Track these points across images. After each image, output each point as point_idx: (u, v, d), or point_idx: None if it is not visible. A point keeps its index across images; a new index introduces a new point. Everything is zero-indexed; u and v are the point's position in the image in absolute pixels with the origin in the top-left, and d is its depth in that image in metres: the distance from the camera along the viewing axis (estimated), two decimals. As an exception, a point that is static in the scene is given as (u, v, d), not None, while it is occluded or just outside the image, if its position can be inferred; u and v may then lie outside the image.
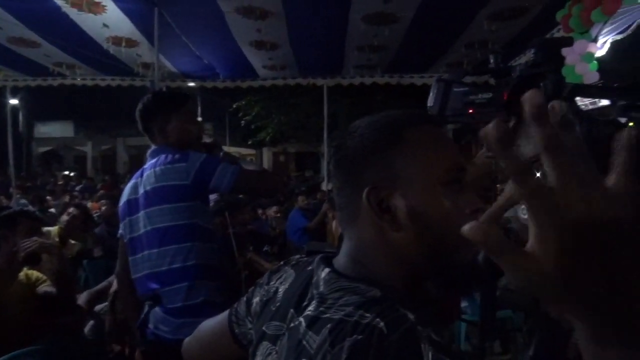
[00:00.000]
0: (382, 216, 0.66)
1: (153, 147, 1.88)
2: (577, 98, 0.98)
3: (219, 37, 5.70)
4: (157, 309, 1.72)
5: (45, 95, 12.80)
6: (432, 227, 0.65)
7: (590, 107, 1.19)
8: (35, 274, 2.27)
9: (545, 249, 0.32)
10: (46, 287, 2.25)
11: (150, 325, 1.72)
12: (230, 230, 2.99)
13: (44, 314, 2.19)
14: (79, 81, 7.23)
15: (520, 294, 3.07)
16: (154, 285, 1.72)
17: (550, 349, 0.90)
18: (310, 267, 0.75)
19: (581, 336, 0.33)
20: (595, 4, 4.60)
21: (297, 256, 0.86)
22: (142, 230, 1.76)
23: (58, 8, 4.77)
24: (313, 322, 0.64)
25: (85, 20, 5.13)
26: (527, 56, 1.28)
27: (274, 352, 0.70)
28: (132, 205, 1.82)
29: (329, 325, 0.61)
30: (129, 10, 4.96)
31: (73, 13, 4.93)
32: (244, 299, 0.87)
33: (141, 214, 1.77)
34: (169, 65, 6.80)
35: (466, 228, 0.33)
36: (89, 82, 7.29)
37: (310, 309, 0.66)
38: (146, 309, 1.75)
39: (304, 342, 0.63)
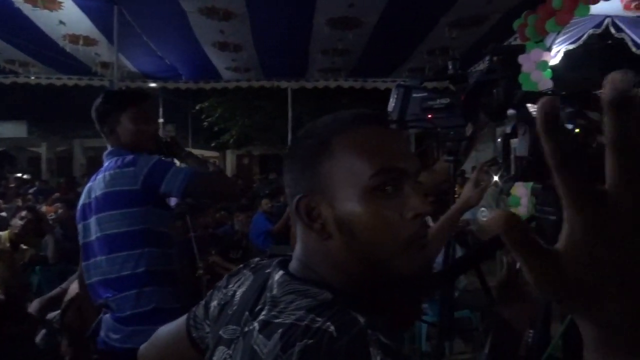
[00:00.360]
0: (312, 225, 0.65)
1: (109, 148, 1.83)
2: (528, 104, 1.02)
3: (181, 37, 5.61)
4: (107, 316, 1.67)
5: (-4, 94, 12.23)
6: (359, 235, 0.63)
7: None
8: (-18, 279, 2.17)
9: (580, 254, 0.29)
10: (-6, 294, 2.16)
11: (102, 333, 1.67)
12: (192, 234, 2.93)
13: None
14: (33, 80, 6.97)
15: (477, 295, 3.15)
16: (104, 293, 1.67)
17: (503, 347, 0.94)
18: (268, 270, 0.75)
19: (589, 342, 0.32)
20: (549, 15, 4.79)
21: (257, 259, 0.85)
22: (93, 236, 1.71)
23: (11, 3, 4.58)
24: (265, 327, 0.64)
25: (40, 17, 4.95)
26: (484, 63, 1.32)
27: (229, 357, 0.70)
28: (86, 210, 1.77)
29: (280, 330, 0.60)
30: (87, 7, 4.81)
31: (27, 9, 4.74)
32: (203, 302, 0.86)
33: (92, 219, 1.72)
34: (129, 65, 6.64)
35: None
36: (44, 81, 7.02)
37: (263, 313, 0.66)
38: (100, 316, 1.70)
39: (256, 347, 0.63)
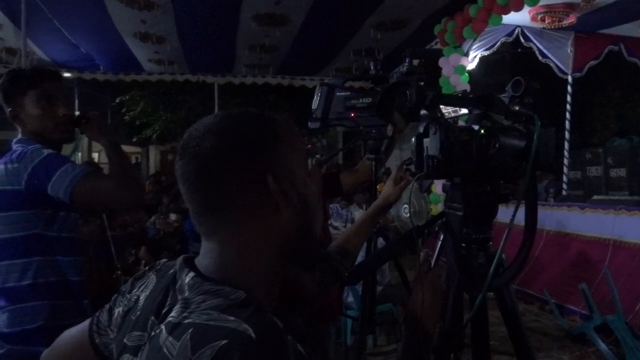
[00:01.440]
0: (281, 199, 0.69)
1: (19, 136, 1.59)
2: (442, 106, 1.07)
3: (98, 25, 5.30)
4: None
5: None
6: (308, 202, 0.73)
7: (454, 115, 1.31)
8: None
9: None
10: None
11: None
12: (109, 234, 2.79)
13: None
14: None
15: (400, 289, 3.27)
16: None
17: (418, 339, 1.00)
18: (171, 271, 0.73)
19: None
20: (466, 22, 5.08)
21: (164, 260, 0.82)
22: None
23: None
24: (174, 328, 0.62)
25: None
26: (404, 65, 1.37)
27: None
28: None
29: (190, 330, 0.59)
30: (-10, -13, 4.42)
31: None
32: (107, 307, 0.81)
33: None
34: (38, 52, 6.16)
35: None
36: (-61, 67, 6.35)
37: (172, 315, 0.64)
38: None
39: (165, 350, 0.60)
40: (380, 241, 2.04)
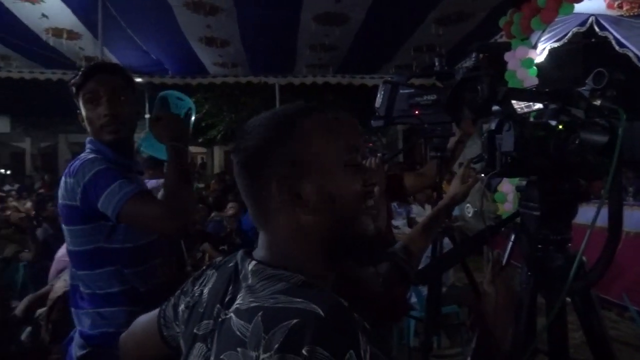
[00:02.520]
0: (296, 202, 0.70)
1: None
2: (513, 101, 1.03)
3: (167, 32, 5.55)
4: (78, 328, 1.50)
5: (-23, 88, 11.98)
6: (338, 202, 0.70)
7: (526, 110, 1.25)
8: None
9: None
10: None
11: (72, 344, 1.55)
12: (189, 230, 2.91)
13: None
14: (15, 74, 6.84)
15: (465, 290, 3.18)
16: (70, 304, 1.51)
17: (489, 342, 0.96)
18: (231, 264, 0.77)
19: None
20: (534, 13, 4.84)
21: (219, 258, 0.86)
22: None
23: (-9, -5, 4.50)
24: (244, 312, 0.65)
25: (22, 9, 4.86)
26: (470, 60, 1.33)
27: (208, 350, 0.70)
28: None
29: (260, 313, 0.62)
30: (71, 0, 4.74)
31: (8, 1, 4.65)
32: (172, 302, 0.86)
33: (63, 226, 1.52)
34: (114, 59, 6.55)
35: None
36: (27, 75, 6.90)
37: (239, 302, 0.68)
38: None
39: (238, 333, 0.64)
40: (446, 241, 1.99)
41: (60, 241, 1.96)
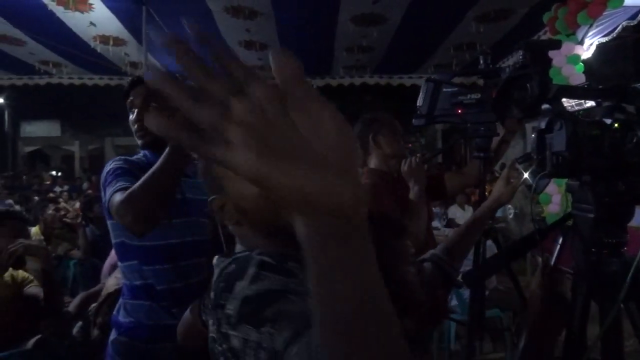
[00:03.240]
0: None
1: None
2: (563, 99, 0.99)
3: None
4: None
5: (31, 94, 12.61)
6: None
7: (577, 107, 1.20)
8: (21, 274, 2.23)
9: None
10: (33, 288, 2.22)
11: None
12: (220, 230, 2.97)
13: (31, 316, 2.16)
14: (65, 80, 7.17)
15: (508, 294, 3.09)
16: None
17: (536, 349, 0.92)
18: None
19: None
20: (580, 7, 4.66)
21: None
22: None
23: (44, 6, 4.71)
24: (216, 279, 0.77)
25: (72, 19, 5.09)
26: (515, 57, 1.29)
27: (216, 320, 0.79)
28: None
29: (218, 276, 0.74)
30: (117, 8, 4.92)
31: (59, 11, 4.88)
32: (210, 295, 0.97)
33: None
34: (157, 64, 6.77)
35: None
36: (76, 81, 7.22)
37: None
38: None
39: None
40: (489, 244, 1.94)
41: (106, 240, 2.03)
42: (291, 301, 0.59)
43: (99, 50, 5.93)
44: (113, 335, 1.55)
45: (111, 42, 5.75)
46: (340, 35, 5.73)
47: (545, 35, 5.28)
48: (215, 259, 0.82)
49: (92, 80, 7.24)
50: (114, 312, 1.61)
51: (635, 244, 0.88)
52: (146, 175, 1.31)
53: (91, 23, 5.20)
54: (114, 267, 2.76)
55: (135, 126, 1.53)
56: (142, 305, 1.51)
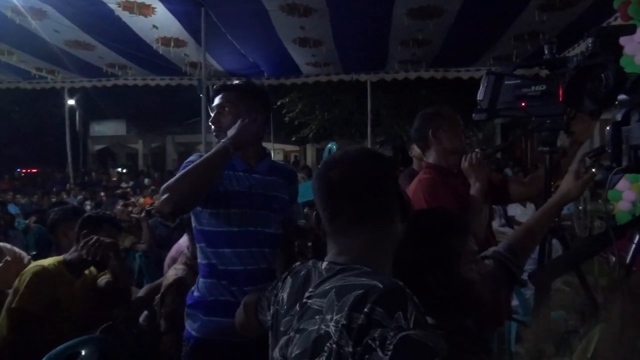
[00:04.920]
0: (391, 220, 0.93)
1: None
2: (641, 89, 0.93)
3: (263, 35, 5.77)
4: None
5: (99, 96, 13.38)
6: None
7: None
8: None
9: None
10: (105, 280, 2.36)
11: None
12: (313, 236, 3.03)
13: (103, 305, 2.30)
14: (130, 81, 7.53)
15: (576, 295, 2.94)
16: None
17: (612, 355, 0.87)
18: (303, 272, 0.95)
19: None
20: (657, -11, 4.32)
21: (298, 263, 1.03)
22: None
23: (111, 12, 4.97)
24: (320, 294, 0.83)
25: (136, 23, 5.32)
26: (583, 46, 1.21)
27: (290, 336, 0.86)
28: None
29: (333, 290, 0.80)
30: (177, 11, 5.10)
31: (125, 16, 5.12)
32: (266, 294, 1.06)
33: None
34: (215, 64, 6.95)
35: None
36: (140, 82, 7.56)
37: (310, 290, 0.86)
38: None
39: (315, 307, 0.82)
40: (554, 242, 1.85)
41: (170, 233, 2.14)
42: None
43: (160, 52, 6.17)
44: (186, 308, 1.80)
45: (172, 44, 5.97)
46: (395, 30, 5.64)
47: (616, 21, 4.94)
48: (326, 265, 0.90)
49: (154, 81, 7.55)
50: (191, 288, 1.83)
51: None
52: (189, 166, 1.59)
53: (154, 26, 5.42)
54: (174, 260, 2.89)
55: (213, 126, 1.78)
56: (205, 282, 1.75)
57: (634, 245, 1.05)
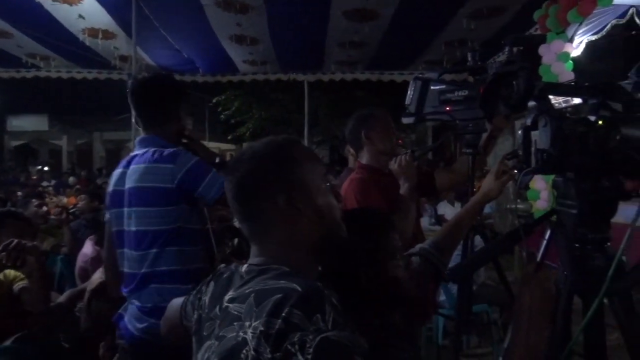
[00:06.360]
0: (297, 215, 0.87)
1: (143, 135, 1.78)
2: (550, 96, 1.00)
3: (198, 30, 5.63)
4: (133, 305, 1.69)
5: (18, 88, 12.45)
6: (327, 215, 0.90)
7: (564, 105, 1.21)
8: (12, 272, 2.21)
9: None
10: (22, 285, 2.21)
11: (126, 320, 1.69)
12: (209, 226, 2.96)
13: (19, 312, 2.15)
14: (54, 73, 7.06)
15: (496, 289, 3.12)
16: (130, 284, 1.69)
17: (523, 343, 0.94)
18: (226, 274, 0.94)
19: None
20: (571, 5, 4.68)
21: (222, 265, 1.03)
22: (126, 227, 1.70)
23: (31, -2, 4.65)
24: (236, 298, 0.82)
25: (60, 11, 5.01)
26: (504, 54, 1.30)
27: (212, 342, 0.84)
28: (118, 197, 1.73)
29: (252, 295, 0.79)
30: (106, 1, 4.86)
31: (47, 3, 4.80)
32: (190, 299, 1.02)
33: (125, 210, 1.69)
34: (147, 58, 6.69)
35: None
36: (64, 75, 7.12)
37: (230, 294, 0.85)
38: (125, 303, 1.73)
39: (234, 312, 0.81)
40: (477, 239, 1.96)
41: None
42: None
43: (87, 43, 5.85)
44: (151, 319, 1.68)
45: (100, 36, 5.67)
46: (332, 31, 5.71)
47: (536, 32, 5.30)
48: (246, 267, 0.88)
49: (80, 74, 7.14)
50: (156, 299, 1.69)
51: (618, 240, 0.90)
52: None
53: (80, 16, 5.13)
54: (84, 270, 2.78)
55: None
56: (186, 289, 1.71)
57: (545, 242, 1.12)
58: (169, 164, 1.61)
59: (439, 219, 5.95)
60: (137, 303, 1.69)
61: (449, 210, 6.10)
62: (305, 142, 8.66)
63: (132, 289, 1.70)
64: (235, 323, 0.79)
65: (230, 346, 0.77)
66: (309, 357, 0.70)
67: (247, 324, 0.76)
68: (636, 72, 0.89)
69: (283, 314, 0.73)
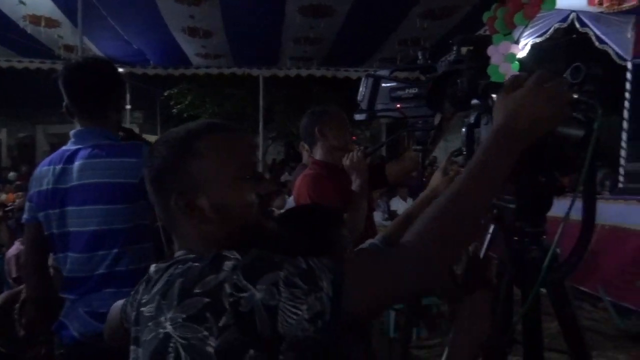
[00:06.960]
0: (192, 215, 0.81)
1: (79, 128, 1.63)
2: (493, 95, 1.04)
3: (149, 21, 5.46)
4: (80, 311, 1.55)
5: (-49, 76, 11.64)
6: (233, 212, 0.82)
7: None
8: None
9: None
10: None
11: (71, 328, 1.57)
12: (159, 223, 2.90)
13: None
14: (-9, 62, 6.68)
15: (444, 282, 3.22)
16: (79, 289, 1.55)
17: (467, 333, 0.98)
18: (145, 276, 0.90)
19: None
20: (517, 8, 4.88)
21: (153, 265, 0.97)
22: (70, 228, 1.54)
23: (-34, -20, 4.37)
24: (148, 301, 0.79)
25: (-2, -5, 4.75)
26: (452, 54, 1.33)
27: (138, 348, 0.82)
28: (58, 196, 1.56)
29: (159, 294, 0.76)
30: (49, -13, 4.64)
31: (-17, -13, 4.54)
32: (130, 300, 0.96)
33: (70, 209, 1.54)
34: (94, 48, 6.43)
35: None
36: (3, 64, 6.73)
37: (144, 298, 0.82)
38: (65, 309, 1.60)
39: (146, 314, 0.78)
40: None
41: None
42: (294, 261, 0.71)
43: (29, 31, 5.55)
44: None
45: (43, 23, 5.40)
46: (287, 26, 5.69)
47: (485, 33, 5.49)
48: (153, 267, 0.84)
49: (21, 63, 6.77)
50: (110, 302, 1.58)
51: (553, 232, 0.95)
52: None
53: (20, 1, 4.86)
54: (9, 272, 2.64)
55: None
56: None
57: (488, 235, 1.16)
58: (133, 158, 1.50)
59: (392, 215, 6.07)
60: (85, 308, 1.55)
61: (401, 205, 6.23)
62: (260, 138, 8.60)
63: (81, 293, 1.57)
64: (149, 323, 0.76)
65: (154, 346, 0.74)
66: (250, 285, 0.68)
67: (162, 319, 0.73)
68: (570, 73, 0.94)
69: (195, 291, 0.70)
